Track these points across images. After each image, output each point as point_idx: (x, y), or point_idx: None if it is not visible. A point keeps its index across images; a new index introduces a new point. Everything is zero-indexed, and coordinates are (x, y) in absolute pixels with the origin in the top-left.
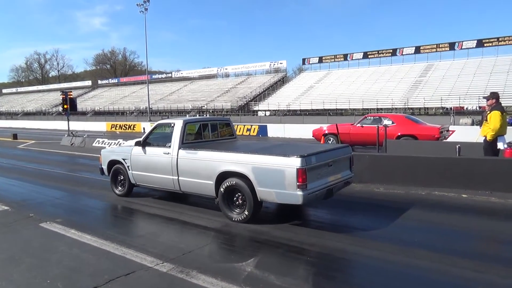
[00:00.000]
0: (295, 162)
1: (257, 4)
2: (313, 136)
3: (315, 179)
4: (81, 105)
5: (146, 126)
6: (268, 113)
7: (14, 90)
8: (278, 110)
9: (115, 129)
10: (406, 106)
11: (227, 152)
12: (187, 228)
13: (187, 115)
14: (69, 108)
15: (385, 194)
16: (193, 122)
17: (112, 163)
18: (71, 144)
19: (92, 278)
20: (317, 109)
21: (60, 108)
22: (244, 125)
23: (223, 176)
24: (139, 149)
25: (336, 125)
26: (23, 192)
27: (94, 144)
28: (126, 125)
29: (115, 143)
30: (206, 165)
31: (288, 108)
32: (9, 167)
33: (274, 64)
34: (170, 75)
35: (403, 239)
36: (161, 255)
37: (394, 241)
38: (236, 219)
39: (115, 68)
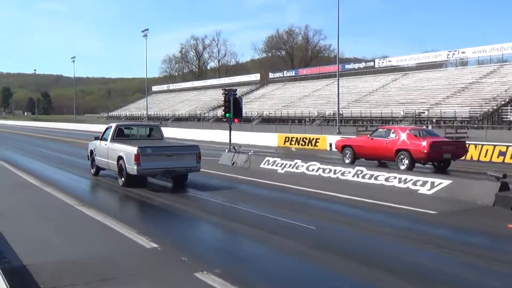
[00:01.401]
0: (134, 150)
1: None
2: (335, 148)
3: (151, 162)
4: (245, 107)
5: (333, 141)
6: None
7: (165, 87)
8: None
9: (289, 144)
10: None
11: (121, 144)
12: None
13: (395, 125)
14: (233, 112)
15: None
16: (123, 126)
17: (90, 152)
18: (232, 164)
19: None
20: None
21: (220, 112)
22: (495, 146)
23: (119, 158)
24: (98, 142)
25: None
26: (174, 227)
27: (262, 165)
28: (305, 139)
29: (290, 165)
30: (115, 151)
31: None
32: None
33: None
34: (371, 64)
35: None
36: None
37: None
38: (121, 184)
39: (292, 56)
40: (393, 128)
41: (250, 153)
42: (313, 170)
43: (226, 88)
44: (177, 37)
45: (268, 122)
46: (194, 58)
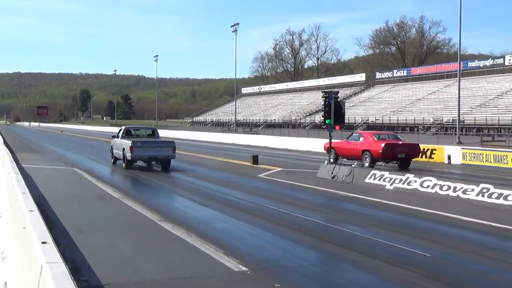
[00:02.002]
0: (129, 143)
1: None
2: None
3: (140, 151)
4: (347, 113)
5: (452, 153)
6: None
7: (256, 89)
8: None
9: None
10: None
11: (124, 140)
12: None
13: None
14: (334, 118)
15: None
16: (131, 128)
17: (111, 147)
18: (332, 178)
19: None
20: None
21: (318, 118)
22: None
23: (123, 149)
24: (115, 139)
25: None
26: (266, 247)
27: (367, 180)
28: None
29: (401, 180)
30: (122, 144)
31: None
32: (250, 207)
33: None
34: (500, 61)
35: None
36: None
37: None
38: (123, 166)
39: (403, 52)
40: (362, 133)
41: (353, 165)
42: (428, 186)
43: (326, 90)
44: (270, 32)
45: (374, 129)
46: (290, 56)
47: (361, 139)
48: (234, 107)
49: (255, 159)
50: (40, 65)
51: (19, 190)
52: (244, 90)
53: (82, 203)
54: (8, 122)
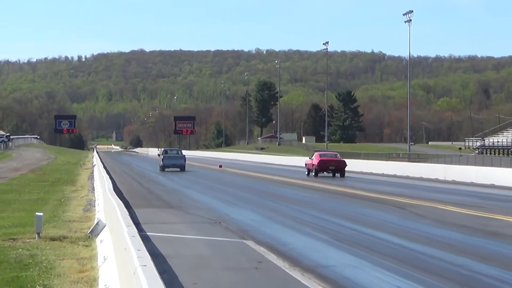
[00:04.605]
0: (162, 157)
1: None
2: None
3: (167, 160)
4: None
5: None
6: None
7: None
8: None
9: None
10: None
11: (161, 155)
12: None
13: None
14: None
15: None
16: (166, 149)
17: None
18: None
19: None
20: None
21: None
22: None
23: (160, 160)
24: (161, 156)
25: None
26: None
27: None
28: None
29: None
30: (160, 158)
31: None
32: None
33: None
34: None
35: None
36: None
37: None
38: (160, 169)
39: None
40: (315, 153)
41: None
42: None
43: None
44: None
45: None
46: None
47: (313, 157)
48: None
49: None
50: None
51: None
52: None
53: None
54: (124, 148)
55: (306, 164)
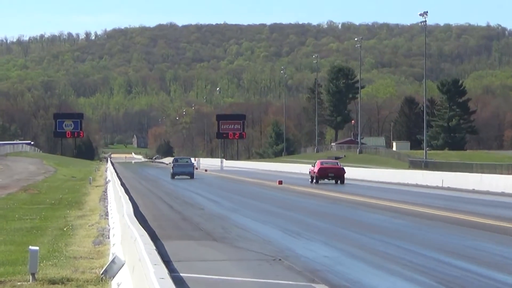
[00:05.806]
0: (171, 165)
1: None
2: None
3: (177, 168)
4: None
5: None
6: None
7: None
8: None
9: None
10: None
11: (172, 164)
12: None
13: None
14: None
15: None
16: (176, 158)
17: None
18: None
19: None
20: None
21: None
22: None
23: (171, 168)
24: (171, 164)
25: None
26: None
27: None
28: None
29: None
30: (170, 165)
31: None
32: None
33: None
34: None
35: None
36: None
37: None
38: (170, 177)
39: None
40: (317, 160)
41: None
42: None
43: None
44: None
45: None
46: None
47: (315, 165)
48: None
49: None
50: None
51: None
52: None
53: None
54: (149, 158)
55: (309, 172)
